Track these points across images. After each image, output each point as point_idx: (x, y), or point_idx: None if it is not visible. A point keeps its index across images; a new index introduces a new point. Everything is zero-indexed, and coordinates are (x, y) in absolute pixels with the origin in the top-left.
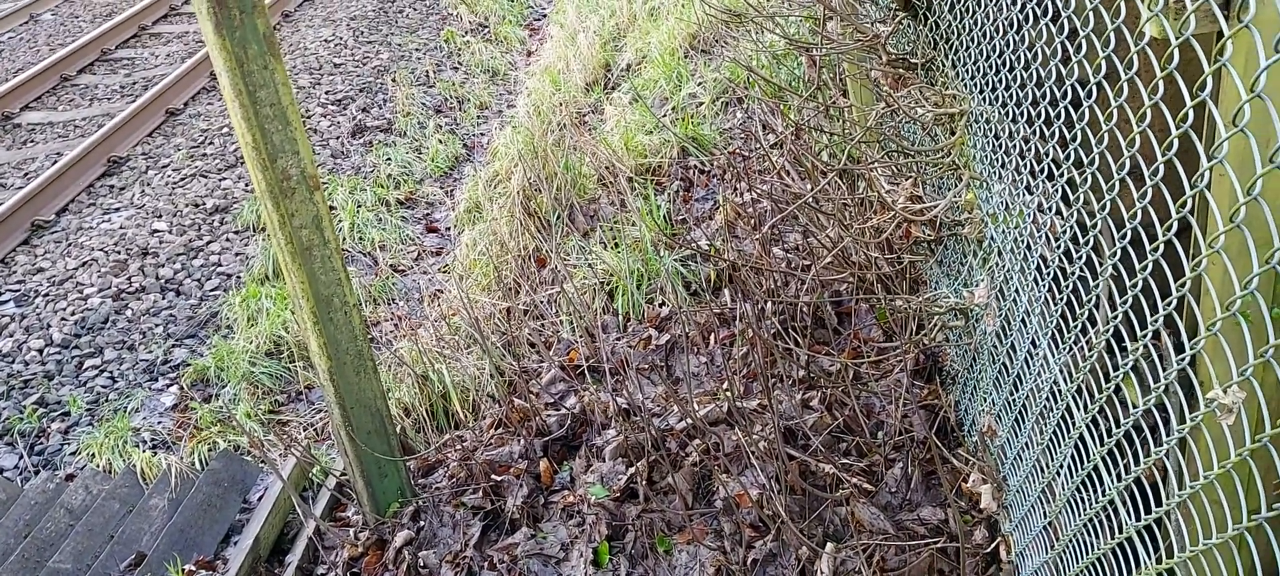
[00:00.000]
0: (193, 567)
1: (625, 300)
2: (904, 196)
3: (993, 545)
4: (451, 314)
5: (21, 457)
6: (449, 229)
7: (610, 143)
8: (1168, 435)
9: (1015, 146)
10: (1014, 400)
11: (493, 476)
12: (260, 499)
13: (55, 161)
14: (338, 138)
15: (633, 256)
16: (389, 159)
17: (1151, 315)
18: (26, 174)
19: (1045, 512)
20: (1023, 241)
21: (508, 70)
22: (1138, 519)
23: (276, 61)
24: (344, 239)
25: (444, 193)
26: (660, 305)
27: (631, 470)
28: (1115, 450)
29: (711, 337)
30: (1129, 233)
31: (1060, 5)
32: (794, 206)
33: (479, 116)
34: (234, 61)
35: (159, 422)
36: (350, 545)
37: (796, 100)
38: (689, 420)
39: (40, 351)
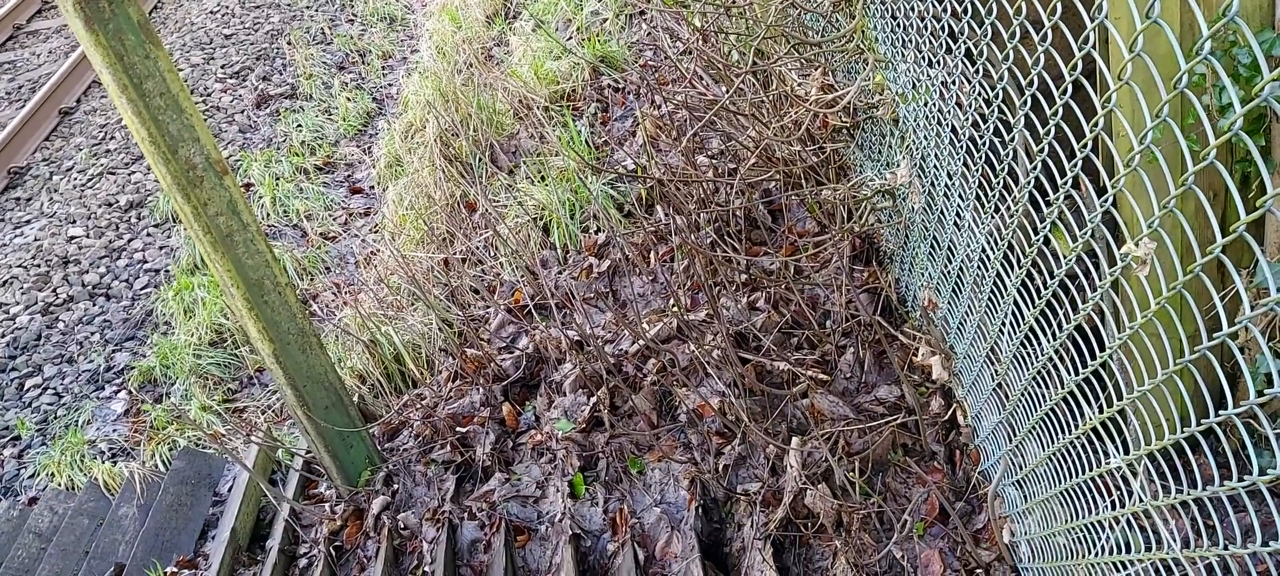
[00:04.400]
0: (174, 569)
1: (561, 232)
2: (816, 87)
3: (950, 412)
4: (389, 274)
5: None
6: (373, 187)
7: (520, 74)
8: (1100, 280)
9: (912, 22)
10: (949, 270)
11: (458, 429)
12: (230, 490)
13: None
14: (242, 111)
15: (561, 187)
16: (299, 125)
17: (1069, 161)
18: None
19: (994, 373)
20: (933, 115)
21: (405, 15)
22: (1080, 369)
23: (157, 48)
24: (267, 214)
25: (362, 151)
26: (596, 232)
27: (593, 399)
28: (1052, 302)
29: (651, 256)
30: (1035, 80)
31: None
32: (712, 113)
33: (383, 67)
34: (113, 56)
35: (113, 431)
36: (328, 520)
37: (698, 4)
38: (641, 341)
39: None
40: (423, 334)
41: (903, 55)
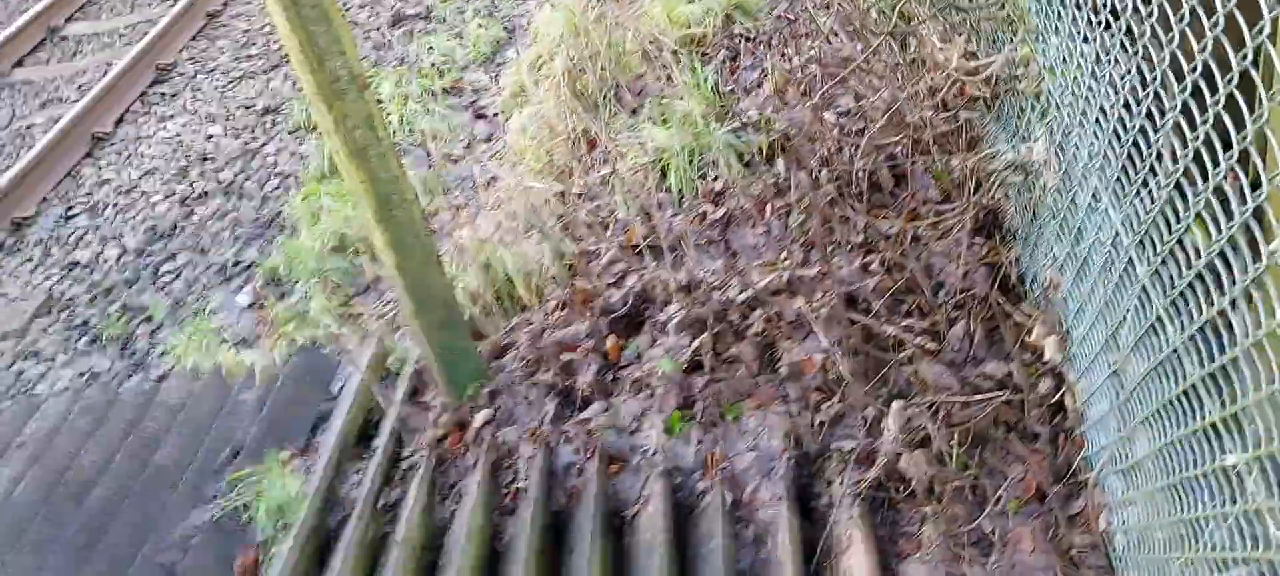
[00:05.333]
0: (288, 455)
1: (678, 177)
2: (957, 54)
3: (1058, 394)
4: (507, 200)
5: (113, 362)
6: (497, 115)
7: (653, 15)
8: (1233, 284)
9: None
10: (1077, 252)
11: (562, 356)
12: (342, 389)
13: (105, 72)
14: (378, 29)
15: (683, 132)
16: (431, 47)
17: (1213, 167)
18: (80, 87)
19: (1111, 360)
20: (1082, 94)
21: None
22: (1205, 364)
23: None
24: (395, 132)
25: (489, 78)
26: (714, 179)
27: (696, 342)
28: (1184, 294)
29: (767, 208)
30: (1189, 84)
31: None
32: (846, 71)
33: None
34: None
35: (238, 321)
36: (432, 428)
37: None
38: (749, 291)
39: (117, 259)
40: (535, 262)
41: (1056, 27)
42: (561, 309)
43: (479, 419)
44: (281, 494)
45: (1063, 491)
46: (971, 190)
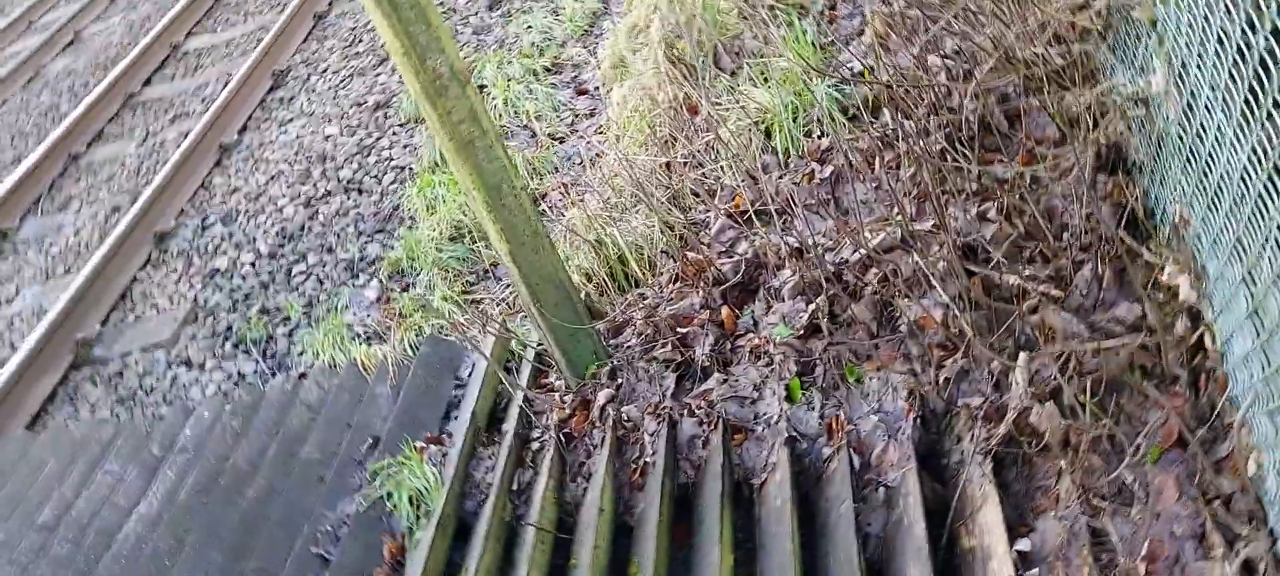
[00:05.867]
0: (423, 443)
1: (783, 137)
2: None
3: (1196, 335)
4: (613, 176)
5: (257, 363)
6: (598, 89)
7: None
8: None
9: None
10: (1206, 185)
11: (678, 329)
12: (470, 375)
13: (226, 83)
14: (476, 13)
15: (784, 90)
16: (529, 26)
17: None
18: (204, 99)
19: (1250, 296)
20: (1198, 17)
21: None
22: None
23: None
24: (500, 114)
25: (588, 52)
26: (820, 137)
27: (812, 306)
28: None
29: (876, 162)
30: None
31: None
32: (948, 12)
33: None
34: None
35: (367, 316)
36: (557, 408)
37: None
38: (863, 250)
39: (253, 264)
40: (645, 236)
41: None
42: (674, 282)
43: (601, 397)
44: (419, 482)
45: (1206, 435)
46: (1091, 126)
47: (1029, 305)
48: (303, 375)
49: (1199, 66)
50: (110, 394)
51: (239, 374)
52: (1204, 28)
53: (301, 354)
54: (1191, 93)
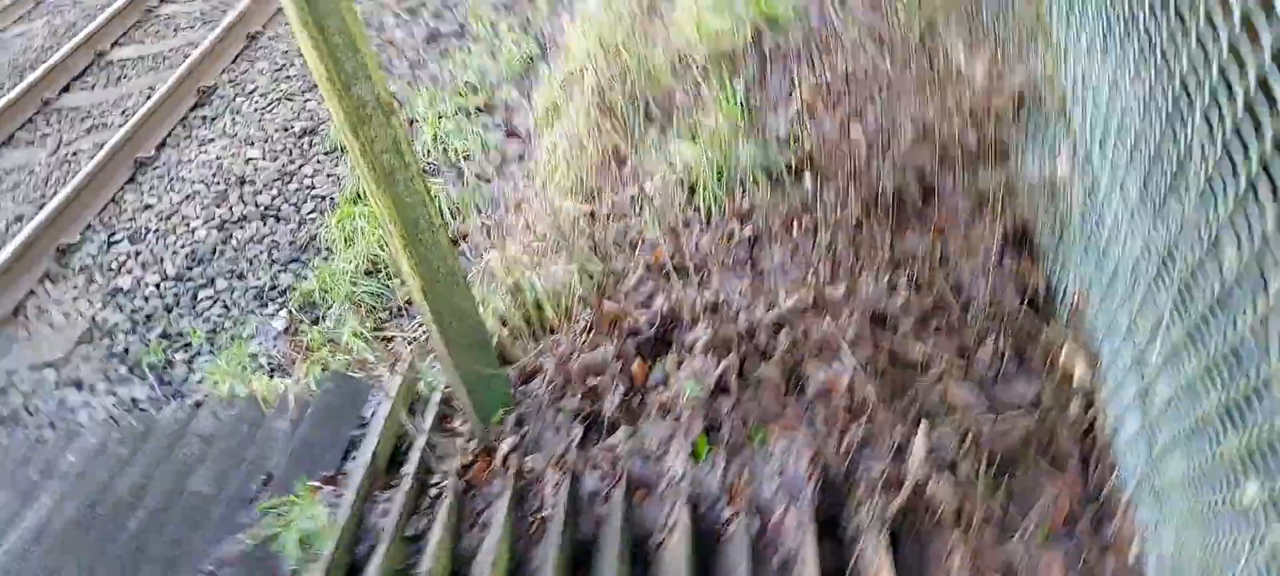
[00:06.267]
0: (318, 483)
1: (706, 194)
2: (983, 69)
3: (1089, 416)
4: (536, 220)
5: (152, 388)
6: (529, 132)
7: (682, 30)
8: (1267, 299)
9: (1089, 13)
10: (1102, 271)
11: (589, 380)
12: (373, 415)
13: (149, 96)
14: (413, 47)
15: (711, 148)
16: (465, 65)
17: (1245, 163)
18: (124, 111)
19: (1140, 379)
20: (1101, 108)
21: None
22: (1227, 392)
23: None
24: (427, 150)
25: (521, 95)
26: (742, 197)
27: (722, 364)
28: (1207, 317)
29: (795, 226)
30: (1211, 83)
31: None
32: (874, 88)
33: (550, 12)
34: None
35: (273, 347)
36: (460, 454)
37: None
38: (776, 311)
39: (158, 286)
40: (564, 283)
41: (1076, 40)
42: (589, 331)
43: (505, 446)
44: (310, 523)
45: (1094, 516)
46: (1000, 205)
47: (933, 375)
48: (198, 404)
49: (1099, 154)
50: None
51: (132, 399)
52: (1106, 117)
53: (200, 382)
54: (1093, 179)
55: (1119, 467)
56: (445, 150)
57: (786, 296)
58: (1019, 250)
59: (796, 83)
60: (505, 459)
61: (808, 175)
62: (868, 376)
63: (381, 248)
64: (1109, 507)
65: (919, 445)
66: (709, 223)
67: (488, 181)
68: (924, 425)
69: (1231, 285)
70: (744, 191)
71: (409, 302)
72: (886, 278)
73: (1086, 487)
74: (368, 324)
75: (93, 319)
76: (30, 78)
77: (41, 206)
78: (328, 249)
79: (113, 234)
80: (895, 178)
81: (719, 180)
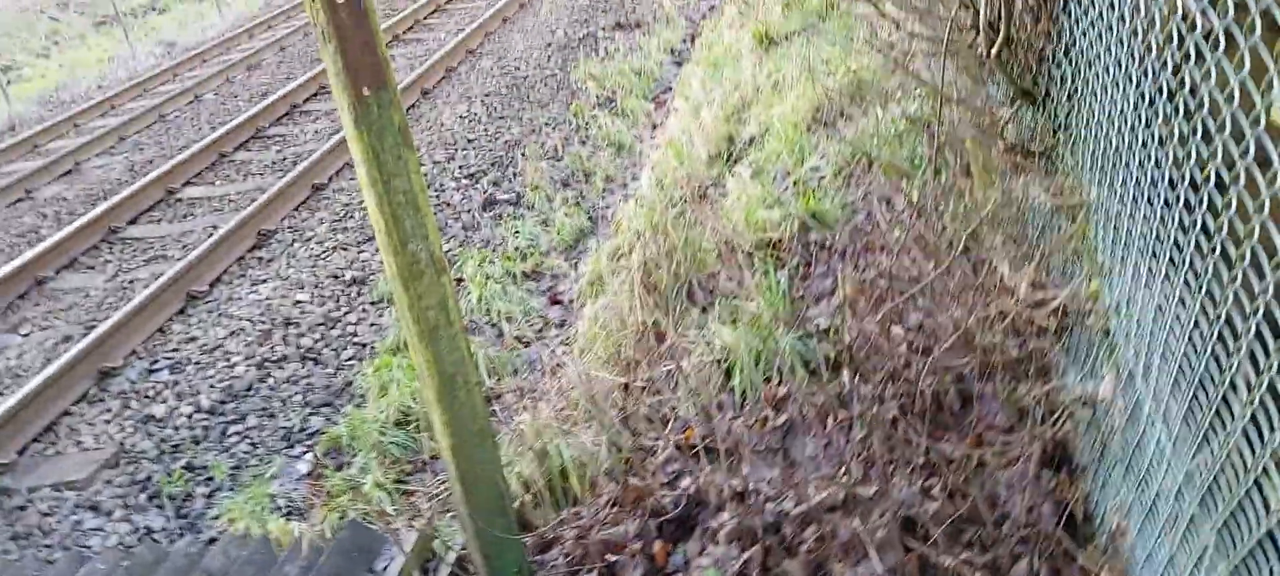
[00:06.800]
0: None
1: (743, 378)
2: (1026, 282)
3: None
4: (570, 388)
5: (168, 520)
6: (572, 301)
7: (731, 217)
8: None
9: (1135, 239)
10: (1143, 498)
11: (608, 555)
12: (386, 569)
13: (211, 235)
14: (469, 211)
15: (751, 333)
16: (517, 231)
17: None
18: (185, 246)
19: None
20: (1146, 335)
21: (634, 143)
22: None
23: (409, 152)
24: (471, 311)
25: (569, 265)
26: (778, 385)
27: (746, 555)
28: (1250, 554)
29: (829, 419)
30: (1257, 320)
31: (1177, 91)
32: (916, 289)
33: (604, 189)
34: (371, 153)
35: (294, 489)
36: None
37: (918, 178)
38: (805, 505)
39: (189, 417)
40: (591, 453)
41: (1120, 266)
42: (612, 505)
43: None
44: None
45: None
46: (1040, 420)
47: None
48: (212, 540)
49: (1143, 379)
50: (7, 528)
51: (147, 529)
52: (1150, 343)
53: (217, 518)
54: (1135, 403)
55: None
56: (489, 311)
57: (816, 491)
58: (1058, 467)
59: (840, 278)
60: None
61: (846, 370)
62: None
63: (414, 400)
64: None
65: None
66: (743, 407)
67: (527, 345)
68: None
69: (1274, 526)
70: (781, 379)
71: (434, 457)
72: (920, 482)
73: None
74: (391, 475)
75: (121, 443)
76: (101, 207)
77: (91, 329)
78: (361, 396)
79: (154, 362)
80: (934, 381)
81: (756, 365)
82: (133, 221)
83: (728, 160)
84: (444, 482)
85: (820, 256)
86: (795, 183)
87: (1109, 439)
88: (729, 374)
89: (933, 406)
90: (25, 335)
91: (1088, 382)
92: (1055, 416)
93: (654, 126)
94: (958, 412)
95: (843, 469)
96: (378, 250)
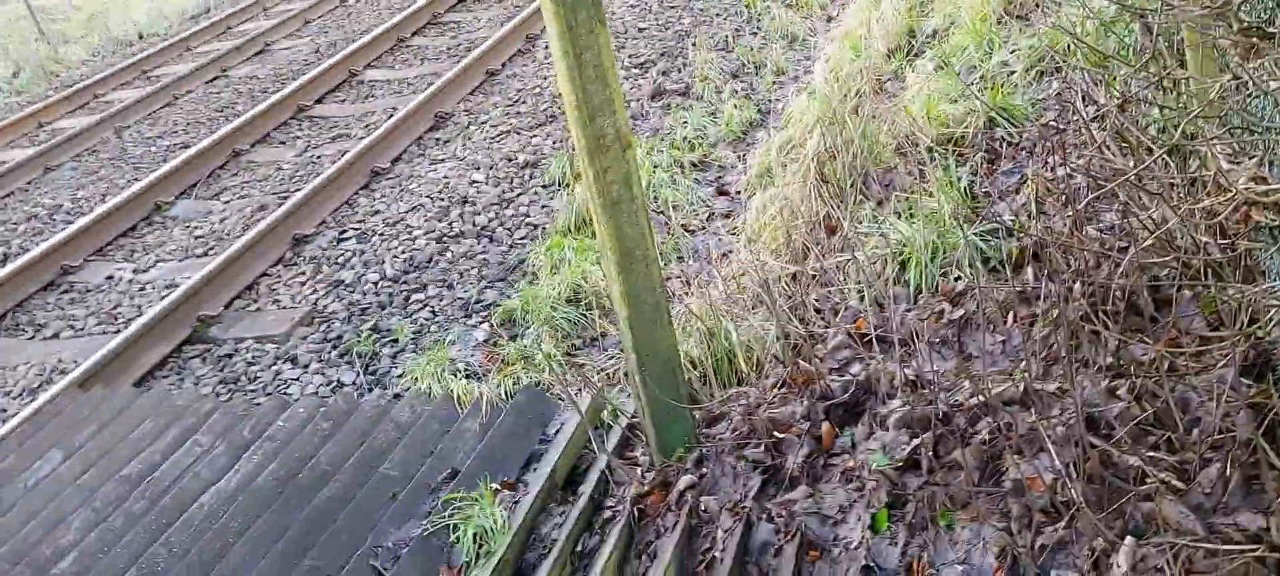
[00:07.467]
0: (498, 487)
1: (918, 272)
2: (1246, 177)
3: None
4: (740, 274)
5: (358, 375)
6: (739, 193)
7: (911, 111)
8: None
9: None
10: None
11: (774, 433)
12: (557, 433)
13: (391, 116)
14: (638, 100)
15: (928, 228)
16: (685, 122)
17: None
18: (367, 126)
19: None
20: None
21: (807, 36)
22: None
23: (601, 27)
24: None
25: (737, 157)
26: (956, 280)
27: (916, 441)
28: None
29: (1010, 316)
30: None
31: None
32: (1115, 183)
33: (775, 82)
34: (564, 25)
35: (471, 356)
36: (637, 482)
37: (1125, 70)
38: (980, 396)
39: (375, 284)
40: (759, 337)
41: None
42: (779, 387)
43: (683, 481)
44: (487, 521)
45: None
46: (1244, 325)
47: (1145, 490)
48: (397, 395)
49: None
50: (217, 373)
51: (339, 381)
52: None
53: (401, 376)
54: None
55: None
56: (656, 198)
57: (994, 384)
58: (1260, 375)
59: (1029, 175)
60: (681, 494)
61: (1030, 268)
62: (1073, 479)
63: (584, 279)
64: None
65: (1123, 559)
66: (917, 301)
67: (692, 233)
68: (1130, 541)
69: None
70: (959, 275)
71: (604, 335)
72: (1105, 382)
73: None
74: (562, 347)
75: (315, 304)
76: (290, 86)
77: (284, 200)
78: (534, 274)
79: (343, 232)
80: (1128, 282)
81: (933, 260)
82: (319, 101)
83: (908, 54)
84: (612, 358)
85: (1007, 153)
86: (982, 77)
87: None
88: (904, 267)
89: (1125, 308)
90: (226, 202)
91: None
92: (1262, 322)
93: (829, 19)
94: (1152, 316)
95: (1022, 365)
96: (549, 136)
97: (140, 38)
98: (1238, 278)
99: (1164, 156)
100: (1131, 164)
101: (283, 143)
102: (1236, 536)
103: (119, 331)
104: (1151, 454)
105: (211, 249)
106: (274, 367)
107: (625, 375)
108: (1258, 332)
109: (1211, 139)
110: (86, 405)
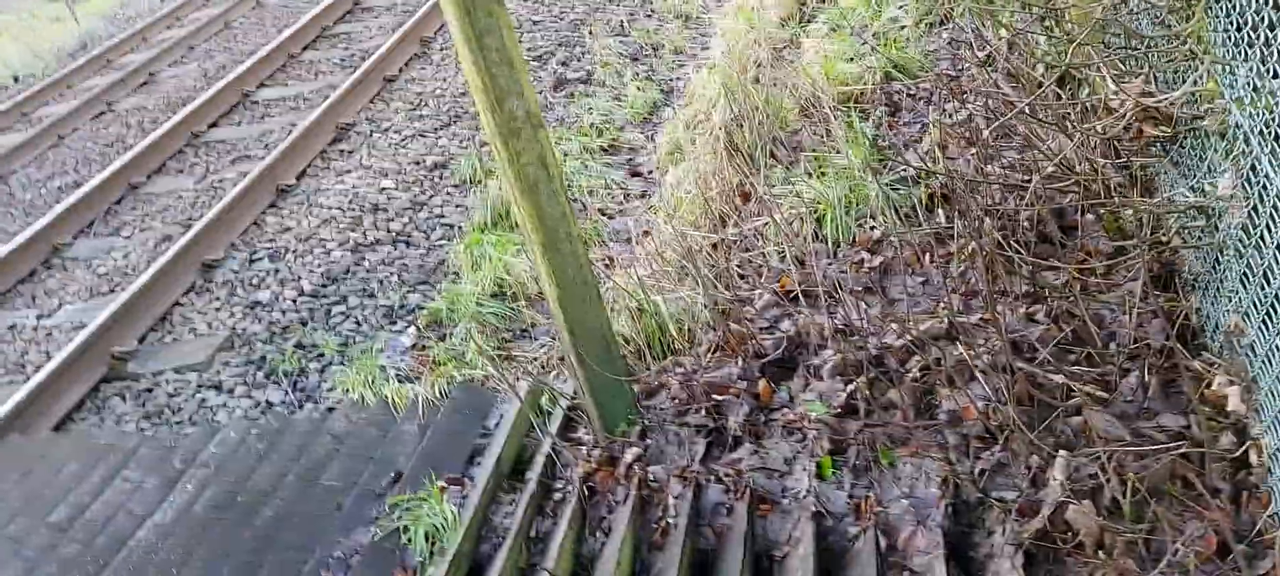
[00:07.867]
0: (445, 483)
1: (834, 226)
2: (1135, 94)
3: (1242, 449)
4: (662, 248)
5: (287, 393)
6: (651, 172)
7: (810, 73)
8: None
9: (1265, 17)
10: (1264, 296)
11: (713, 397)
12: (497, 425)
13: (290, 132)
14: (540, 92)
15: (840, 183)
16: (590, 109)
17: None
18: (267, 144)
19: None
20: (1274, 122)
21: (700, 13)
22: None
23: (500, 8)
24: None
25: (645, 138)
26: (871, 229)
27: (851, 386)
28: None
29: (928, 257)
30: None
31: None
32: (1010, 116)
33: (674, 61)
34: (463, 9)
35: (401, 361)
36: (584, 461)
37: (1011, 8)
38: (908, 336)
39: (294, 301)
40: (686, 308)
41: (1245, 55)
42: (713, 352)
43: (629, 454)
44: (437, 519)
45: (1246, 551)
46: (1146, 238)
47: (1072, 405)
48: (331, 409)
49: (1269, 171)
50: (138, 408)
51: (268, 402)
52: (1277, 134)
53: (331, 389)
54: (1258, 198)
55: (1276, 502)
56: (569, 186)
57: (919, 323)
58: (1165, 286)
59: (929, 123)
60: (629, 468)
61: (941, 210)
62: (1003, 402)
63: (507, 272)
64: (1262, 544)
65: (1058, 472)
66: (836, 254)
67: (610, 217)
68: (1063, 454)
69: None
70: (873, 224)
71: (533, 325)
72: (1024, 309)
73: (1238, 522)
74: (492, 342)
75: (233, 328)
76: (181, 113)
77: (188, 227)
78: (455, 273)
79: (254, 252)
80: (1033, 212)
81: (848, 213)
82: (213, 125)
83: (801, 21)
84: (544, 346)
85: (907, 104)
86: (875, 35)
87: (1224, 244)
88: (820, 223)
89: (1035, 236)
90: (128, 237)
91: (1202, 187)
92: (1160, 235)
93: None
94: (1060, 242)
95: (943, 302)
96: (455, 135)
97: (16, 80)
98: (1137, 194)
99: (1054, 87)
100: (1025, 98)
101: (180, 171)
102: (1161, 437)
103: (29, 378)
104: (1074, 370)
105: (118, 285)
106: (198, 396)
107: (560, 359)
108: (1160, 241)
109: (1097, 63)
110: (4, 455)
